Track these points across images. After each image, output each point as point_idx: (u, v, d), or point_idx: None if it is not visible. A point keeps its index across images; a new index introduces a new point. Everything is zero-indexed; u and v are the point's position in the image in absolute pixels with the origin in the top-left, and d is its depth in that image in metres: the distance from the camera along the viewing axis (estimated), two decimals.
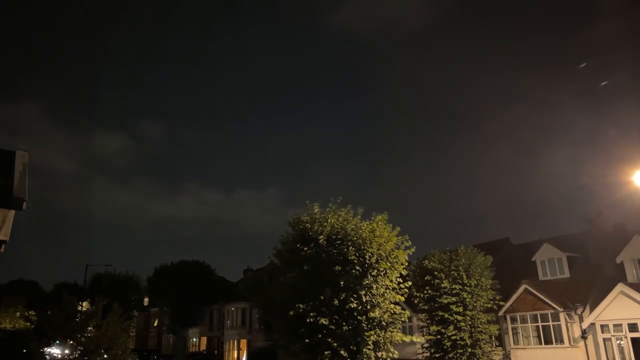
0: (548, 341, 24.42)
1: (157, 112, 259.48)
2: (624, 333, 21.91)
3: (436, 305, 24.42)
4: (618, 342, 22.09)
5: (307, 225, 17.54)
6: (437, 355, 24.16)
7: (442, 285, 24.22)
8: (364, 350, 16.33)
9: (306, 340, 16.26)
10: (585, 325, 23.35)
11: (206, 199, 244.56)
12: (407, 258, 18.21)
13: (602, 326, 22.66)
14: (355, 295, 16.56)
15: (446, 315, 23.83)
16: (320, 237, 16.95)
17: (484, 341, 24.04)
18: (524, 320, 25.56)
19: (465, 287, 24.21)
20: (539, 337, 25.08)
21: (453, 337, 23.45)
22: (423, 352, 26.70)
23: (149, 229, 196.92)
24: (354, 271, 16.54)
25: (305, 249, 17.03)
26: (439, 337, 24.01)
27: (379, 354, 16.81)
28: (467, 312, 23.90)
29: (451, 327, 23.57)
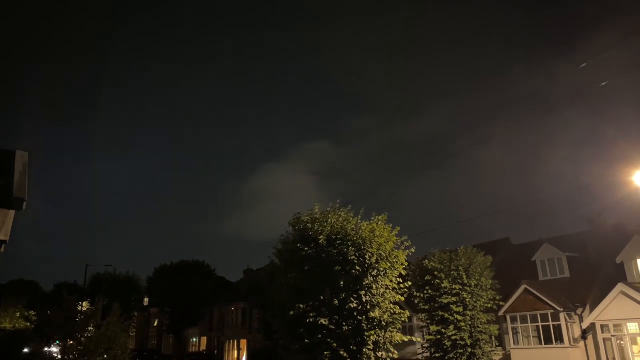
0: (548, 341, 24.40)
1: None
2: (624, 333, 21.91)
3: (436, 305, 24.41)
4: (618, 342, 22.09)
5: (307, 225, 17.56)
6: (437, 355, 24.15)
7: (442, 285, 24.21)
8: (364, 350, 16.33)
9: (306, 341, 16.25)
10: (585, 325, 23.35)
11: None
12: (406, 258, 18.24)
13: (602, 326, 22.65)
14: (355, 296, 16.56)
15: (446, 315, 23.82)
16: (320, 237, 16.95)
17: (484, 341, 24.03)
18: (524, 320, 25.54)
19: (466, 287, 24.21)
20: (539, 337, 25.07)
21: (453, 337, 23.44)
22: (423, 352, 26.70)
23: (149, 228, 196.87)
24: (354, 271, 16.54)
25: (305, 249, 17.04)
26: (439, 337, 24.00)
27: (379, 354, 16.80)
28: (467, 312, 23.89)
29: (451, 327, 23.55)
